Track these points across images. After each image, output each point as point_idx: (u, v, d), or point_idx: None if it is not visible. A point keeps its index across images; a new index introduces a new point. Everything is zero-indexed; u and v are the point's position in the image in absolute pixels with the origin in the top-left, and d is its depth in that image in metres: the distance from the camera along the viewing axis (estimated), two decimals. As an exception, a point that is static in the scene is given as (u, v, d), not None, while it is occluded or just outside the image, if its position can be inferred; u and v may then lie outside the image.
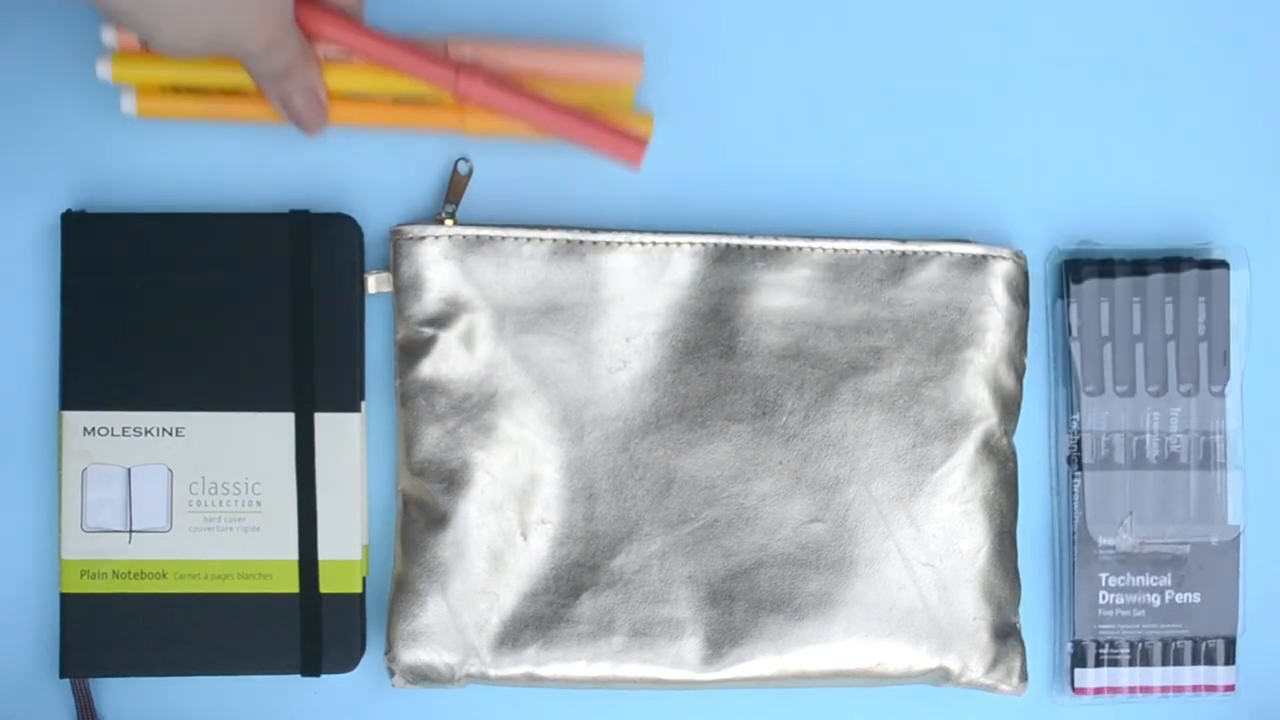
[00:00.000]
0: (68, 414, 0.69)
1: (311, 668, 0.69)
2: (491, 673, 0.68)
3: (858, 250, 0.70)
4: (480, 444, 0.69)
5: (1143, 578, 0.72)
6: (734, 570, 0.69)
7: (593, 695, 0.72)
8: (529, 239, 0.69)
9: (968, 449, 0.70)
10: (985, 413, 0.70)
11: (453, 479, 0.68)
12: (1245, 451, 0.73)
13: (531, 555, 0.69)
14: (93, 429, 0.69)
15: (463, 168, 0.71)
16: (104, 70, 0.67)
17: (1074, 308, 0.72)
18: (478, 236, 0.69)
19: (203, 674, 0.69)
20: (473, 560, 0.68)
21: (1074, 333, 0.72)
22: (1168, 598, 0.72)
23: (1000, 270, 0.70)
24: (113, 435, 0.69)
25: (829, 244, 0.70)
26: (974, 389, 0.70)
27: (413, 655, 0.68)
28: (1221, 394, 0.72)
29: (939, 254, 0.70)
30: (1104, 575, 0.72)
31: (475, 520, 0.68)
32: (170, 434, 0.69)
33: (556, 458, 0.69)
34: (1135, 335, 0.72)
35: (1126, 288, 0.72)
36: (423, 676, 0.68)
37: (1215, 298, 0.72)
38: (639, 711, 0.72)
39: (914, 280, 0.70)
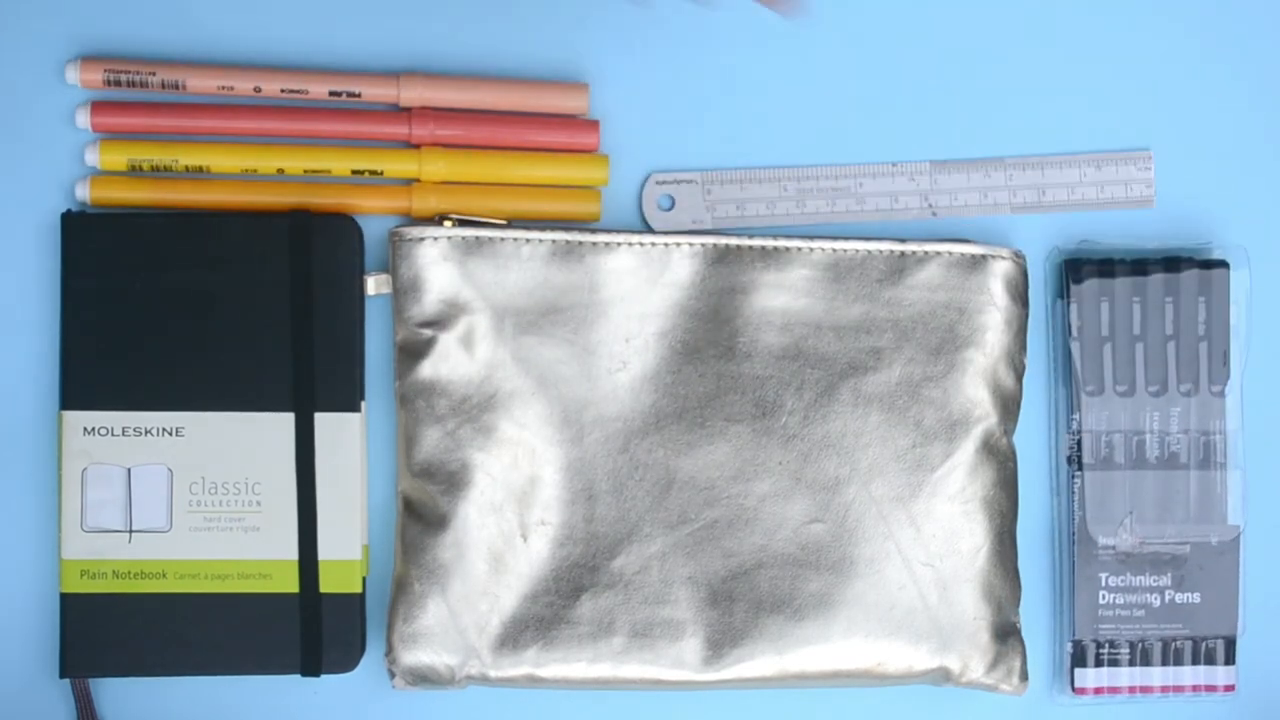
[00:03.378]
0: (68, 414, 0.69)
1: (311, 668, 0.69)
2: (492, 674, 0.68)
3: (857, 250, 0.70)
4: (480, 445, 0.69)
5: (1143, 578, 0.72)
6: (734, 571, 0.69)
7: (593, 696, 0.72)
8: (528, 240, 0.69)
9: (967, 449, 0.70)
10: (985, 413, 0.70)
11: (452, 480, 0.68)
12: (1245, 451, 0.73)
13: (531, 556, 0.69)
14: (93, 429, 0.69)
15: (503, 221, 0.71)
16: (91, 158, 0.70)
17: (1074, 308, 0.72)
18: (477, 238, 0.69)
19: (203, 674, 0.69)
20: (473, 561, 0.68)
21: (1074, 333, 0.72)
22: (1168, 598, 0.72)
23: (999, 270, 0.70)
24: (113, 435, 0.69)
25: (828, 244, 0.70)
26: (973, 389, 0.70)
27: (413, 656, 0.68)
28: (1221, 394, 0.72)
29: (938, 254, 0.70)
30: (1104, 575, 0.72)
31: (475, 521, 0.68)
32: (170, 434, 0.69)
33: (556, 459, 0.69)
34: (1135, 335, 0.72)
35: (1126, 288, 0.72)
36: (423, 678, 0.68)
37: (1215, 298, 0.72)
38: (639, 712, 0.72)
39: (913, 280, 0.70)
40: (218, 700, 0.71)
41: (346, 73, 0.71)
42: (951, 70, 0.73)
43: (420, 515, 0.69)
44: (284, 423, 0.69)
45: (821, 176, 0.73)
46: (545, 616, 0.68)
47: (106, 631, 0.69)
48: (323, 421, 0.69)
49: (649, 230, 0.71)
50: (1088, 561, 0.72)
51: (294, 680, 0.71)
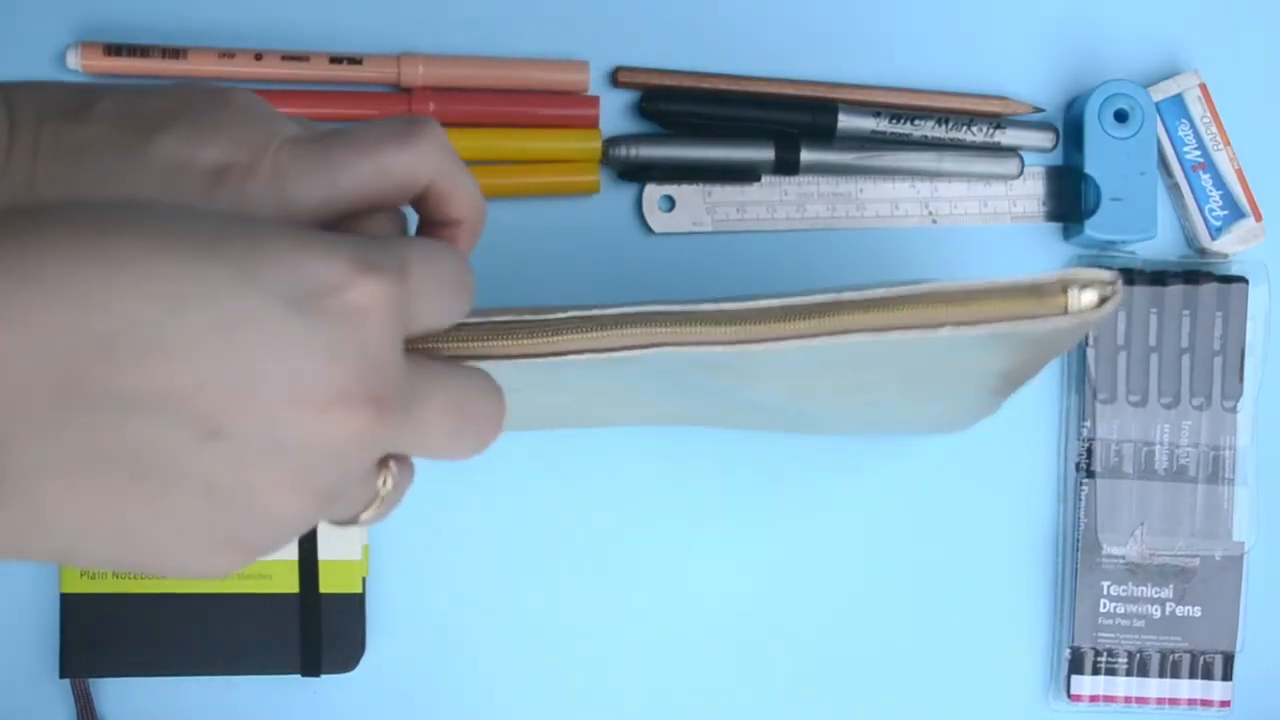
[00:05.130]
0: (67, 414, 0.68)
1: (311, 668, 0.69)
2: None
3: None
4: None
5: (1145, 588, 0.72)
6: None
7: (598, 690, 0.72)
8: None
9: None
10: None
11: None
12: (1255, 469, 0.73)
13: None
14: (92, 429, 0.68)
15: None
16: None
17: (1090, 315, 0.71)
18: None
19: (203, 674, 0.69)
20: None
21: (1090, 340, 0.71)
22: (1168, 610, 0.72)
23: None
24: (112, 435, 0.68)
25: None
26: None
27: None
28: (1234, 409, 0.71)
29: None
30: (1106, 584, 0.72)
31: None
32: (170, 434, 0.68)
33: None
34: (1151, 346, 0.71)
35: (1145, 297, 0.71)
36: None
37: (1233, 313, 0.71)
38: (650, 699, 0.72)
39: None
40: (218, 700, 0.71)
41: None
42: (948, 73, 0.72)
43: None
44: (286, 422, 0.69)
45: (821, 181, 0.71)
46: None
47: (106, 631, 0.68)
48: (325, 421, 0.69)
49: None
50: (1090, 569, 0.72)
51: (294, 680, 0.71)
